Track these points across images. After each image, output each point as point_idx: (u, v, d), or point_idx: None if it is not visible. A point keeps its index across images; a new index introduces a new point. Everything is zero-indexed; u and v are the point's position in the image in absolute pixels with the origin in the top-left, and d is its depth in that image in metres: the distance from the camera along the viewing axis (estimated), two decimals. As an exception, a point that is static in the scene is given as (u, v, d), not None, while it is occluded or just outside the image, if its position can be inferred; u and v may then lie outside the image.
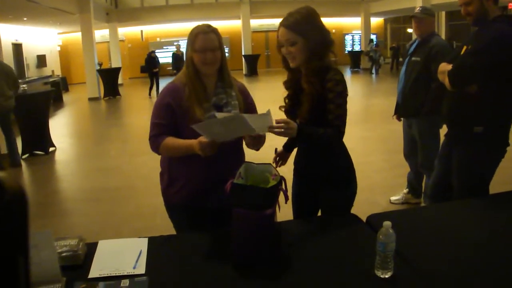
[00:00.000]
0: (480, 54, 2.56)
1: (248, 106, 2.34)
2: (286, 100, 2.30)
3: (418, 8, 4.00)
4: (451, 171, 2.88)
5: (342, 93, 2.08)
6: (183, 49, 12.88)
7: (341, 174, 2.26)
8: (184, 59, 2.28)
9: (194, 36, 2.13)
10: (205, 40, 2.11)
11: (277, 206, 1.77)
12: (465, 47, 2.74)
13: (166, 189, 2.33)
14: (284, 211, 1.96)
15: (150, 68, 15.57)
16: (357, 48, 25.23)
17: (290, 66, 2.17)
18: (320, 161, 2.24)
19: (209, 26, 2.17)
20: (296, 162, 2.39)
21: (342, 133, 2.09)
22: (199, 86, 2.16)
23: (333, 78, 2.06)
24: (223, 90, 2.21)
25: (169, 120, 2.18)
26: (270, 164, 1.96)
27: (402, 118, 4.35)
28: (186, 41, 2.20)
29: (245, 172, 1.87)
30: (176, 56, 17.84)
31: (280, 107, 2.32)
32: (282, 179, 1.83)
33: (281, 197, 1.79)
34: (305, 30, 2.06)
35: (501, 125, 2.69)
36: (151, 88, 15.55)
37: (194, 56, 2.13)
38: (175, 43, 20.79)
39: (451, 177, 2.88)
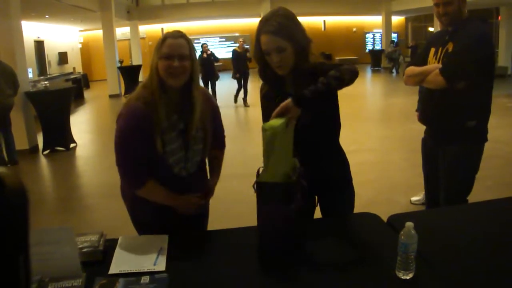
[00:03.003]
0: (471, 50, 2.64)
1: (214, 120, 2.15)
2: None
3: None
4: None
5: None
6: (246, 46, 11.99)
7: (340, 175, 2.21)
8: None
9: (162, 40, 1.91)
10: (173, 45, 1.89)
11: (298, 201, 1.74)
12: (433, 49, 2.84)
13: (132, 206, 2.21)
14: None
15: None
16: (378, 47, 24.99)
17: (269, 76, 2.04)
18: (316, 165, 2.07)
19: (179, 32, 1.95)
20: None
21: (356, 70, 1.86)
22: (162, 106, 1.93)
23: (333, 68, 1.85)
24: (183, 115, 1.99)
25: (145, 150, 1.95)
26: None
27: None
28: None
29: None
30: (238, 55, 12.31)
31: None
32: (300, 173, 1.77)
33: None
34: (291, 32, 1.91)
35: (486, 118, 2.83)
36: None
37: (159, 63, 1.90)
38: (196, 41, 20.45)
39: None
